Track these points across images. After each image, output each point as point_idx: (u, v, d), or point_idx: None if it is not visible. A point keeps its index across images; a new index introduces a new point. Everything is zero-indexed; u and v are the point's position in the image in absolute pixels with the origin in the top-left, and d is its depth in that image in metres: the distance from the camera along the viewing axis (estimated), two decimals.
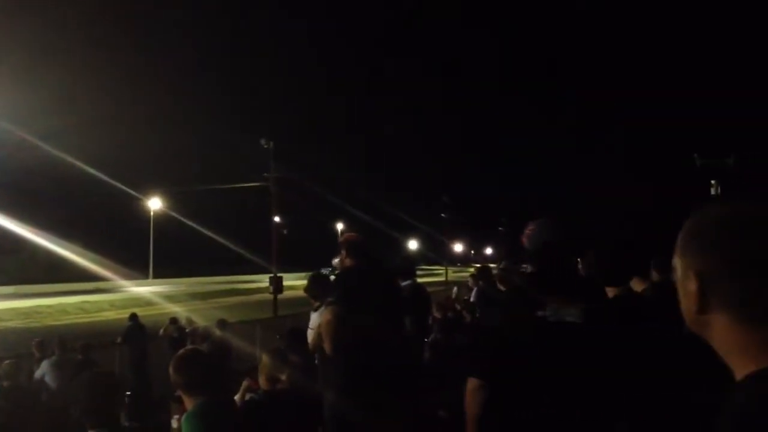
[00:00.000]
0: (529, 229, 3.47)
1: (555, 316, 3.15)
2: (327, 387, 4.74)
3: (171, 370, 3.88)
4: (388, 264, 7.88)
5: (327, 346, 4.62)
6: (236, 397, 5.19)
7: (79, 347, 12.76)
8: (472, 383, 3.30)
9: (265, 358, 5.28)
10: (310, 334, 5.87)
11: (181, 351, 4.23)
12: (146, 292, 47.83)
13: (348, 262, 5.02)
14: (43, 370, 11.53)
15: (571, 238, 3.46)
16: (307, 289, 6.16)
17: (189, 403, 3.83)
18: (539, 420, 3.17)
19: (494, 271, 9.58)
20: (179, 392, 3.90)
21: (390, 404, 4.74)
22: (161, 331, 17.00)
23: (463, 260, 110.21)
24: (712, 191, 38.62)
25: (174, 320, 17.33)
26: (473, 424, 3.29)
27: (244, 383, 5.54)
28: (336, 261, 5.13)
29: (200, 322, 18.15)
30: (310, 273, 6.52)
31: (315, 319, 6.13)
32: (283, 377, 5.23)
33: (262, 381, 5.23)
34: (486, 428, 3.30)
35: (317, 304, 5.74)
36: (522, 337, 3.19)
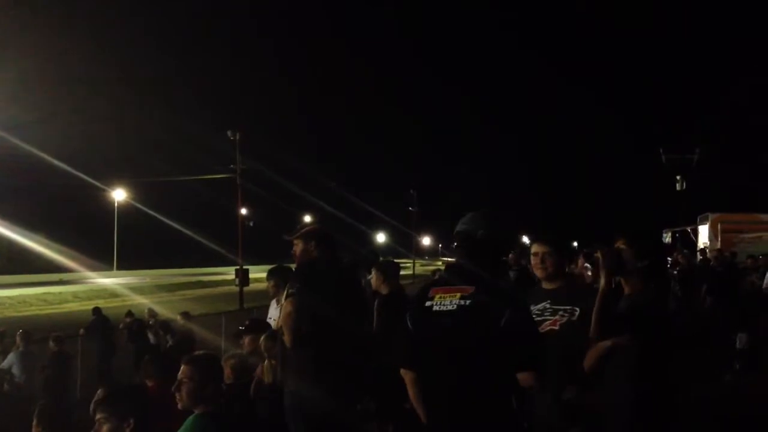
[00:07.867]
0: None
1: (438, 305, 3.30)
2: (288, 377, 4.68)
3: (193, 370, 3.70)
4: (354, 257, 7.81)
5: (287, 339, 4.55)
6: None
7: (52, 338, 12.67)
8: (404, 374, 3.47)
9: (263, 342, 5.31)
10: (272, 324, 5.83)
11: (205, 354, 4.07)
12: (111, 284, 47.33)
13: (315, 253, 4.94)
14: (11, 361, 11.54)
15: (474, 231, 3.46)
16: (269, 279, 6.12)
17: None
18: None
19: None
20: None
21: (353, 394, 4.72)
22: (120, 324, 16.86)
23: (432, 254, 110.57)
24: (678, 186, 39.08)
25: (130, 313, 17.27)
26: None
27: None
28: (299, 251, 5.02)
29: (164, 314, 18.01)
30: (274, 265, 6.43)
31: (273, 309, 6.09)
32: (273, 361, 5.14)
33: (226, 373, 5.16)
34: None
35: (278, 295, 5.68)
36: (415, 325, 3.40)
